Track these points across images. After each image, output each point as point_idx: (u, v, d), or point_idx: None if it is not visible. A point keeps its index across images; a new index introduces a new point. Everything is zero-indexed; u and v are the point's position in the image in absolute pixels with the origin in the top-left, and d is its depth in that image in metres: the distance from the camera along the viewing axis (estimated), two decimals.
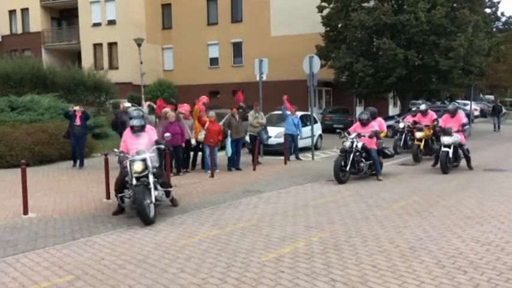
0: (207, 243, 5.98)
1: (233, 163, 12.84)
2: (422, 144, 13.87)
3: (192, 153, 12.77)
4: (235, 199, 8.87)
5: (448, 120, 12.37)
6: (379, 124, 11.53)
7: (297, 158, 14.84)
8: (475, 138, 21.80)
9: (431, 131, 14.11)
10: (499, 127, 27.51)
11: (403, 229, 6.52)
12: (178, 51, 34.02)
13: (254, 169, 12.90)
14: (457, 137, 11.83)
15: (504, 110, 35.84)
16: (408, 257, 5.36)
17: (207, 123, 12.25)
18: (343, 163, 10.52)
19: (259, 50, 27.50)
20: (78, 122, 12.66)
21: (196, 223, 7.08)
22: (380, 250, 5.61)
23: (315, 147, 16.17)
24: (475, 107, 34.59)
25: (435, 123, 13.86)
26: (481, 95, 48.94)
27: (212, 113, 12.62)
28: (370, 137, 10.99)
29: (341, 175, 10.40)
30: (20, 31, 36.89)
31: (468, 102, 29.69)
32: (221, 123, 13.80)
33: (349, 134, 11.13)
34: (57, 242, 6.21)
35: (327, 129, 22.43)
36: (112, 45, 33.06)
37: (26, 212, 7.71)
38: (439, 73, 23.18)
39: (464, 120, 12.45)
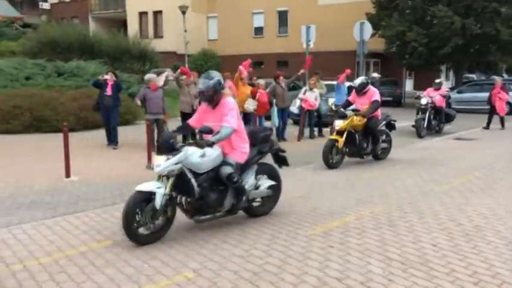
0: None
1: (279, 133, 12.42)
2: (342, 139, 8.48)
3: None
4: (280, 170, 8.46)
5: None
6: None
7: None
8: None
9: (363, 120, 8.76)
10: None
11: (465, 206, 5.93)
12: (222, 20, 33.52)
13: (299, 140, 12.46)
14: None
15: None
16: (472, 236, 4.82)
17: (258, 93, 11.72)
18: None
19: (306, 19, 26.50)
20: (109, 91, 10.74)
21: None
22: (440, 228, 5.09)
23: None
24: None
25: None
26: None
27: (262, 82, 12.11)
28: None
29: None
30: None
31: None
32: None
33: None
34: (97, 206, 6.06)
35: None
36: (157, 14, 32.98)
37: (68, 175, 7.65)
38: (499, 43, 21.59)
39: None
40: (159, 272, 3.95)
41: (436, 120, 13.55)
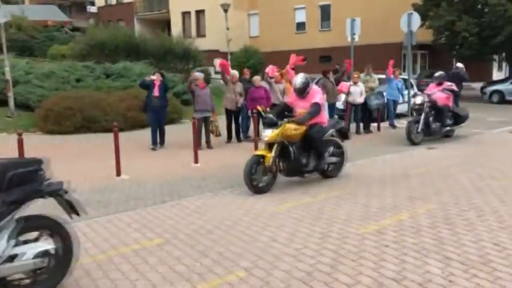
0: (299, 212, 5.55)
1: None
2: (271, 154, 6.54)
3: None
4: None
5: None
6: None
7: (391, 125, 13.80)
8: None
9: (301, 128, 6.79)
10: None
11: None
12: (264, 16, 33.46)
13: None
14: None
15: None
16: None
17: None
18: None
19: (349, 12, 25.93)
20: (156, 92, 10.56)
21: (285, 189, 6.68)
22: (501, 226, 4.82)
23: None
24: None
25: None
26: None
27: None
28: None
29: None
30: (114, 2, 38.48)
31: None
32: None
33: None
34: (147, 204, 6.15)
35: None
36: (199, 13, 33.36)
37: (118, 174, 7.82)
38: None
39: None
40: (210, 271, 3.94)
41: (438, 123, 10.80)
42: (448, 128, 11.08)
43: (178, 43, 23.87)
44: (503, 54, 24.99)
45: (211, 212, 5.65)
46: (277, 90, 11.63)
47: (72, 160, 9.56)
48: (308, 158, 6.92)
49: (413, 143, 10.42)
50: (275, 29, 32.35)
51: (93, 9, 40.44)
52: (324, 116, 7.19)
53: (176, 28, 32.62)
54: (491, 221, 4.98)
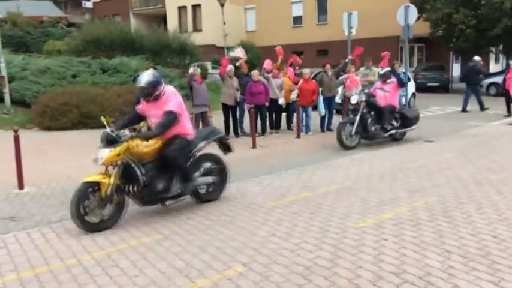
0: (298, 206, 5.54)
1: (325, 124, 12.22)
2: (109, 180, 4.88)
3: (273, 114, 12.24)
4: (325, 160, 8.32)
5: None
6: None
7: None
8: None
9: (155, 144, 5.25)
10: None
11: None
12: (261, 11, 33.33)
13: None
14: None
15: None
16: None
17: (301, 81, 11.67)
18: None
19: (346, 5, 25.91)
20: None
21: (284, 184, 6.66)
22: (500, 219, 4.82)
23: (408, 106, 14.99)
24: None
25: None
26: None
27: (307, 70, 11.97)
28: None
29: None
30: None
31: None
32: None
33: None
34: None
35: (420, 88, 20.95)
36: (196, 7, 33.18)
37: None
38: None
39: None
40: (209, 266, 3.92)
41: (378, 125, 9.70)
42: (393, 131, 9.94)
43: (174, 38, 23.76)
44: (500, 47, 24.98)
45: (209, 207, 5.64)
46: (274, 85, 11.60)
47: (70, 157, 9.52)
48: (169, 180, 5.32)
49: (345, 147, 9.30)
50: (272, 24, 32.24)
51: (88, 4, 40.18)
52: (187, 126, 5.46)
53: (172, 23, 32.47)
54: (490, 214, 4.98)
